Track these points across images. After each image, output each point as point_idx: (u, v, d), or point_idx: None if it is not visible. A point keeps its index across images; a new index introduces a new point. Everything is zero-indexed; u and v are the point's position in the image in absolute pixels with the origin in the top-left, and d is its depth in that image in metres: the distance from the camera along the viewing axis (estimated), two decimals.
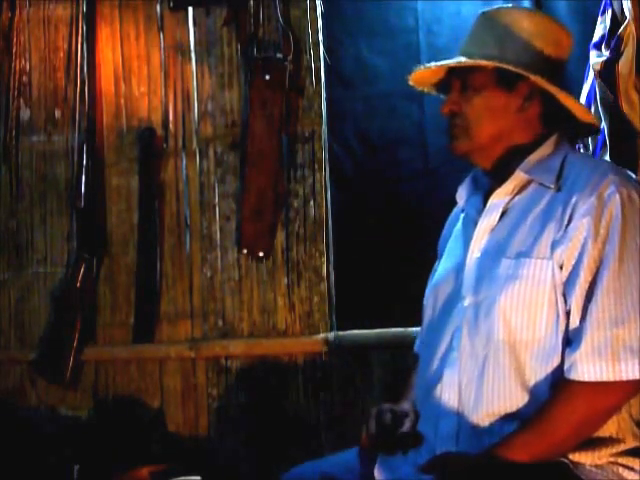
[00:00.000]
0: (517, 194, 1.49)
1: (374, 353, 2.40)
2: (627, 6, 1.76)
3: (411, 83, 1.67)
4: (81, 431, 2.45)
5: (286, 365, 2.43)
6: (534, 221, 1.43)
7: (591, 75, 1.88)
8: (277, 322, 2.44)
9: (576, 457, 1.35)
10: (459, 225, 1.64)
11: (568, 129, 1.55)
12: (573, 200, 1.38)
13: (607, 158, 1.82)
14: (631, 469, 1.36)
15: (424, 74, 1.64)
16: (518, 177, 1.48)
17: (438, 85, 1.68)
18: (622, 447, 1.37)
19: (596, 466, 1.35)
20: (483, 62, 1.49)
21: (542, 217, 1.42)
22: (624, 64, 1.77)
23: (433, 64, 1.58)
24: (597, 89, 1.86)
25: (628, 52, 1.76)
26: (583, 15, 2.33)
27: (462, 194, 1.63)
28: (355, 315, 2.45)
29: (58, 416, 2.48)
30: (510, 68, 1.46)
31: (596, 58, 1.85)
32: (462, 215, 1.65)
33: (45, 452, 2.38)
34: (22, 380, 2.52)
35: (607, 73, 1.81)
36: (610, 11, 1.84)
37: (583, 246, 1.35)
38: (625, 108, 1.78)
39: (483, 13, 1.59)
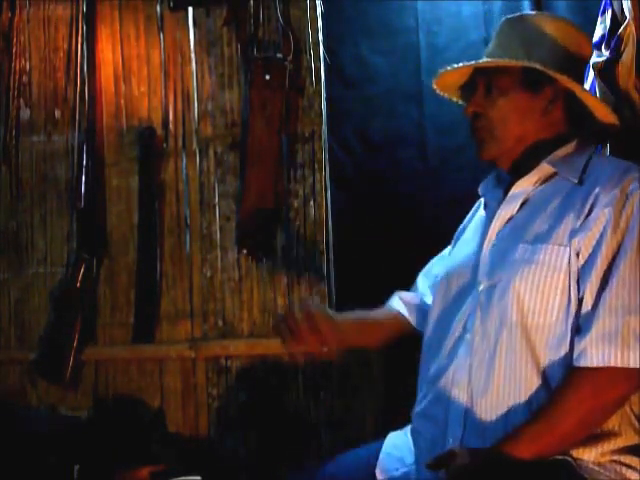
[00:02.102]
0: (539, 186, 1.51)
1: (374, 353, 2.40)
2: (627, 6, 1.76)
3: (435, 87, 1.69)
4: (81, 431, 2.44)
5: (286, 365, 2.43)
6: (553, 210, 1.45)
7: (591, 75, 1.88)
8: None
9: (579, 452, 1.36)
10: (479, 216, 1.67)
11: (590, 131, 1.58)
12: (595, 191, 1.41)
13: None
14: (634, 469, 1.37)
15: (448, 77, 1.66)
16: (543, 169, 1.51)
17: (462, 90, 1.70)
18: (623, 442, 1.38)
19: (599, 464, 1.36)
20: (512, 62, 1.51)
21: (562, 207, 1.45)
22: (624, 64, 1.77)
23: (461, 64, 1.60)
24: (597, 89, 1.86)
25: (628, 52, 1.76)
26: (583, 15, 2.33)
27: (484, 187, 1.66)
28: None
29: (58, 416, 2.48)
30: (539, 67, 1.48)
31: (596, 58, 1.85)
32: (482, 209, 1.67)
33: (45, 452, 2.38)
34: (22, 380, 2.52)
35: (607, 73, 1.81)
36: (610, 11, 1.84)
37: (602, 235, 1.37)
38: (625, 108, 1.78)
39: (506, 19, 1.62)
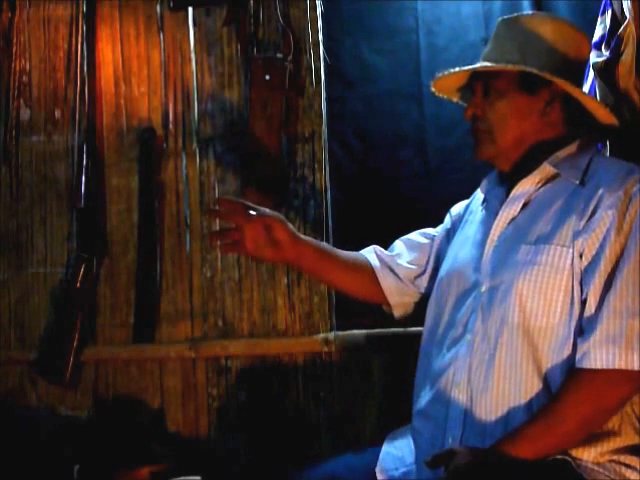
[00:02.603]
0: (541, 187, 1.51)
1: (374, 353, 2.41)
2: (627, 6, 1.77)
3: (433, 89, 1.70)
4: (81, 431, 2.44)
5: (286, 365, 2.43)
6: (556, 212, 1.46)
7: (591, 75, 1.89)
8: (277, 322, 2.45)
9: (579, 452, 1.36)
10: (479, 212, 1.66)
11: (591, 131, 1.58)
12: (599, 193, 1.41)
13: None
14: (633, 468, 1.37)
15: (446, 81, 1.66)
16: (545, 170, 1.51)
17: (460, 91, 1.71)
18: (623, 441, 1.39)
19: (598, 464, 1.36)
20: (509, 66, 1.51)
21: (564, 208, 1.45)
22: (624, 64, 1.77)
23: (457, 69, 1.61)
24: (597, 89, 1.86)
25: (628, 52, 1.76)
26: (583, 15, 2.33)
27: (486, 186, 1.66)
28: (355, 315, 2.45)
29: (58, 416, 2.48)
30: (535, 72, 1.48)
31: (596, 58, 1.85)
32: (482, 206, 1.67)
33: (45, 452, 2.38)
34: (22, 380, 2.52)
35: (607, 73, 1.81)
36: (610, 11, 1.85)
37: (605, 237, 1.38)
38: (625, 108, 1.78)
39: (502, 20, 1.62)
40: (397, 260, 1.81)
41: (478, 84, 1.58)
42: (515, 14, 1.66)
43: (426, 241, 1.83)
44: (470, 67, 1.58)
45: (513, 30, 1.58)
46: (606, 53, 1.82)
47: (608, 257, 1.36)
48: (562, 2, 2.45)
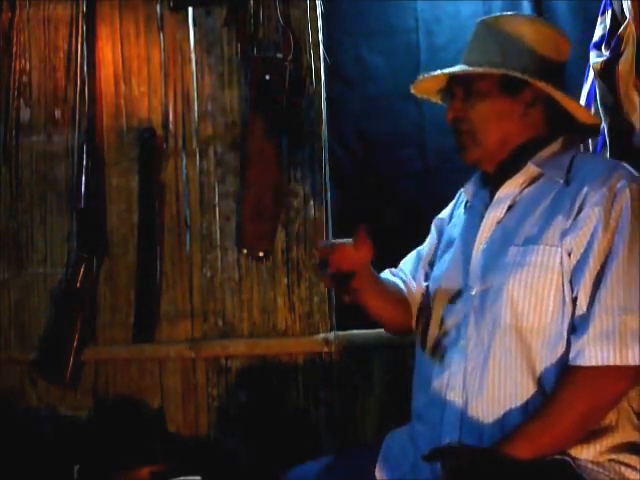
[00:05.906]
0: (525, 187, 1.51)
1: (374, 353, 2.41)
2: (627, 6, 1.77)
3: (413, 92, 1.69)
4: (81, 431, 2.45)
5: (286, 365, 2.43)
6: (542, 212, 1.46)
7: (591, 75, 1.89)
8: (277, 322, 2.45)
9: (577, 451, 1.36)
10: (463, 216, 1.66)
11: (572, 131, 1.57)
12: (584, 191, 1.41)
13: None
14: (633, 467, 1.37)
15: (427, 83, 1.65)
16: (529, 170, 1.51)
17: (440, 92, 1.70)
18: (621, 438, 1.39)
19: (597, 464, 1.36)
20: (492, 70, 1.51)
21: (550, 208, 1.45)
22: (624, 64, 1.77)
23: (439, 72, 1.59)
24: (597, 89, 1.86)
25: (628, 52, 1.76)
26: (583, 15, 2.33)
27: (470, 188, 1.65)
28: (355, 315, 2.44)
29: (58, 416, 2.48)
30: (518, 75, 1.48)
31: (596, 58, 1.86)
32: (466, 206, 1.66)
33: (45, 452, 2.38)
34: (22, 380, 2.52)
35: (607, 73, 1.81)
36: (610, 11, 1.85)
37: (593, 235, 1.38)
38: (625, 108, 1.79)
39: (482, 21, 1.61)
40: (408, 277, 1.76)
41: (458, 87, 1.57)
42: (494, 15, 1.65)
43: (415, 255, 1.79)
44: (453, 70, 1.57)
45: (493, 31, 1.56)
46: (606, 53, 1.83)
47: (597, 254, 1.36)
48: (562, 2, 2.45)
